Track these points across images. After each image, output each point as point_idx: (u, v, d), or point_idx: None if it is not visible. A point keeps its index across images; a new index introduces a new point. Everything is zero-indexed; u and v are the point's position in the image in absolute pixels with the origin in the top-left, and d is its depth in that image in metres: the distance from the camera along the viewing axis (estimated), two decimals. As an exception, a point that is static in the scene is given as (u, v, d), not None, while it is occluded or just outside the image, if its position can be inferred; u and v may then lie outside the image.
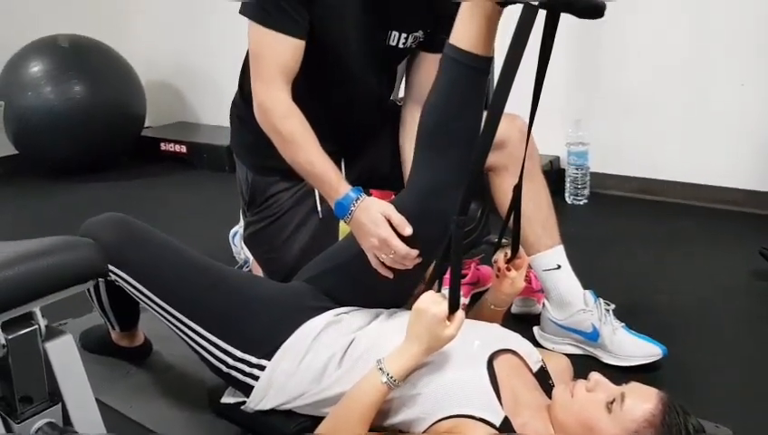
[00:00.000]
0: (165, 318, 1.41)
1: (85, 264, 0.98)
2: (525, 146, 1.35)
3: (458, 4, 1.43)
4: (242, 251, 2.27)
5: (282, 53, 1.44)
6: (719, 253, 2.32)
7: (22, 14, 3.59)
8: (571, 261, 1.69)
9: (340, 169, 1.66)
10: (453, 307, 1.18)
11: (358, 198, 1.36)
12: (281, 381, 1.33)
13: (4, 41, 3.41)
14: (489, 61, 1.28)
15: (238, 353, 1.35)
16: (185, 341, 1.41)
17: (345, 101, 1.62)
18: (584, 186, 2.77)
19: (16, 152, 3.50)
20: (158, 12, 4.03)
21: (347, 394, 1.22)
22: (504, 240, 1.43)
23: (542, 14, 1.15)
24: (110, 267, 1.37)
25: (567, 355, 1.53)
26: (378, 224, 1.31)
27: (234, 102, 1.73)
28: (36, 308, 0.94)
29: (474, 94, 1.30)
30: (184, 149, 3.57)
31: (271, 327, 1.36)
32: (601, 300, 1.68)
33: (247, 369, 1.35)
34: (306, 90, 1.53)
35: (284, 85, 1.45)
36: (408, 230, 1.30)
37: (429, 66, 1.52)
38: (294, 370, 1.32)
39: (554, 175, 2.83)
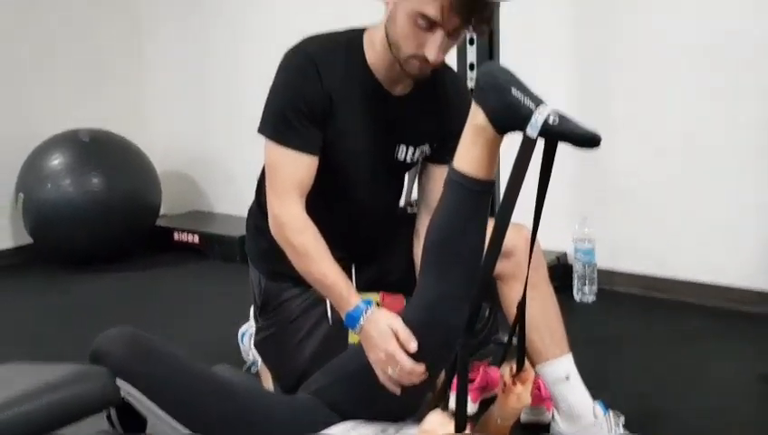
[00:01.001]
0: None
1: (98, 395, 1.02)
2: (529, 259, 1.38)
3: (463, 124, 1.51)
4: (250, 351, 2.28)
5: (296, 169, 1.51)
6: (731, 355, 2.30)
7: (43, 107, 3.72)
8: (580, 363, 1.69)
9: (351, 275, 1.70)
10: (459, 428, 1.20)
11: (367, 310, 1.41)
12: None
13: (27, 134, 3.52)
14: (491, 184, 1.34)
15: None
16: None
17: (354, 212, 1.67)
18: (592, 283, 2.78)
19: (32, 241, 3.56)
20: (174, 104, 4.18)
21: None
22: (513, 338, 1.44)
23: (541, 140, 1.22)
24: (120, 382, 1.39)
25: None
26: (385, 338, 1.35)
27: (250, 212, 1.80)
28: (51, 440, 0.97)
29: (476, 215, 1.35)
30: (196, 239, 3.62)
31: None
32: (611, 413, 1.67)
33: None
34: (316, 201, 1.58)
35: (299, 199, 1.51)
36: (413, 346, 1.33)
37: (439, 177, 1.57)
38: None
39: (561, 271, 2.84)
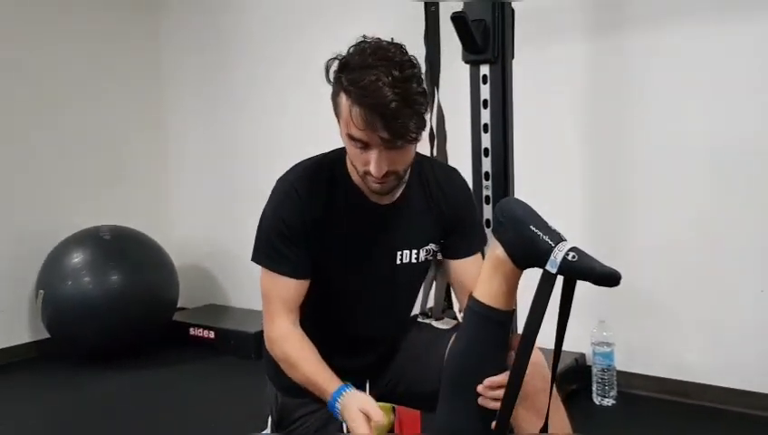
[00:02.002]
0: None
1: None
2: (549, 398, 1.37)
3: (468, 219, 1.53)
4: None
5: (287, 293, 1.54)
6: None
7: (65, 204, 3.83)
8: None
9: (365, 389, 1.71)
10: None
11: (341, 395, 1.43)
12: None
13: (49, 231, 3.62)
14: (510, 314, 1.35)
15: None
16: None
17: (363, 327, 1.67)
18: (611, 386, 2.74)
19: (49, 336, 3.59)
20: (193, 198, 4.27)
21: None
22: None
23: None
24: None
25: None
26: (355, 420, 1.36)
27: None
28: None
29: (495, 344, 1.36)
30: (212, 334, 3.63)
31: None
32: None
33: None
34: (322, 320, 1.62)
35: (286, 314, 1.54)
36: (380, 420, 1.35)
37: (462, 271, 1.60)
38: None
39: (580, 373, 2.82)
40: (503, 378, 1.32)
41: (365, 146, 1.37)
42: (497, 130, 2.24)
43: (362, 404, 1.38)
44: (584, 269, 1.20)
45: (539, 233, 1.24)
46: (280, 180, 1.56)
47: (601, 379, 2.74)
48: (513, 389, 1.23)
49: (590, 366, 2.82)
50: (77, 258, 3.41)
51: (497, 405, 1.32)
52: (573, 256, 1.20)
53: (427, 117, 1.41)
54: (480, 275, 1.36)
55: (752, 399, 2.61)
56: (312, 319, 1.65)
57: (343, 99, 1.35)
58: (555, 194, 2.91)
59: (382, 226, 1.57)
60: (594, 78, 2.88)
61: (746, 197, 2.60)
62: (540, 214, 1.32)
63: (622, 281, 2.92)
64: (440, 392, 1.42)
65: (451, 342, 1.43)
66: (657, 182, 2.77)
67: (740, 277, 2.63)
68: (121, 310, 3.39)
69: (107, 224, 3.63)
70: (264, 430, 2.34)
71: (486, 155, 2.25)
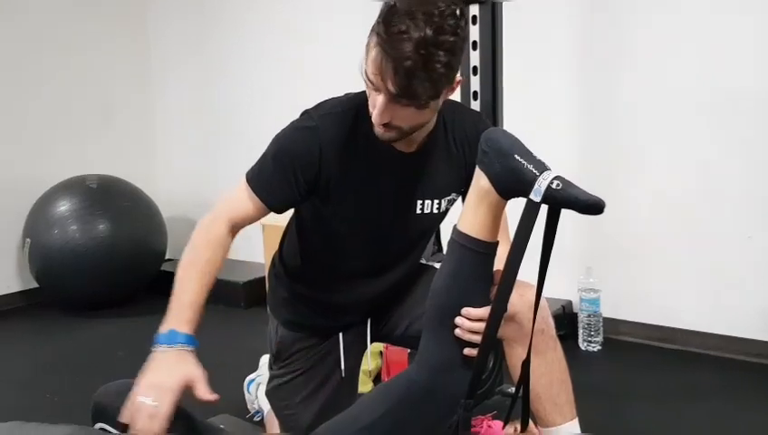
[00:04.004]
0: None
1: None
2: (533, 323, 1.38)
3: None
4: (255, 400, 2.27)
5: (244, 207, 1.48)
6: (743, 409, 2.26)
7: (51, 153, 3.78)
8: (585, 416, 1.65)
9: (366, 328, 1.76)
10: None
11: (182, 343, 1.32)
12: None
13: (35, 180, 3.58)
14: (494, 246, 1.34)
15: None
16: None
17: (371, 268, 1.66)
18: (597, 332, 2.77)
19: (37, 286, 3.59)
20: (181, 150, 4.23)
21: None
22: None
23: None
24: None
25: None
26: (174, 382, 1.25)
27: (273, 261, 1.83)
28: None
29: (479, 276, 1.35)
30: (201, 284, 3.62)
31: None
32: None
33: None
34: (330, 258, 1.63)
35: (228, 225, 1.47)
36: (212, 397, 1.25)
37: None
38: None
39: (566, 320, 2.84)
40: (483, 311, 1.32)
41: (376, 89, 1.34)
42: (486, 73, 2.21)
43: (191, 375, 1.27)
44: (568, 197, 1.19)
45: (523, 162, 1.23)
46: (305, 112, 1.52)
47: (587, 325, 2.77)
48: (495, 320, 1.23)
49: (576, 313, 2.85)
50: (63, 207, 3.37)
51: (474, 338, 1.32)
52: (558, 185, 1.19)
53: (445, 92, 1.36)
54: (464, 206, 1.35)
55: (738, 344, 2.64)
56: (322, 253, 1.65)
57: (373, 37, 1.30)
58: (546, 139, 2.88)
59: (403, 174, 1.54)
60: (589, 21, 2.83)
61: (739, 143, 2.58)
62: (525, 144, 1.30)
63: (610, 227, 2.95)
64: (423, 326, 1.42)
65: (436, 275, 1.42)
66: (649, 126, 2.74)
67: (728, 223, 2.63)
68: (109, 259, 3.37)
69: (93, 173, 3.59)
70: (252, 374, 2.38)
71: (475, 98, 2.22)
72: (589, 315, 2.77)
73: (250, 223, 1.51)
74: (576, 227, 2.81)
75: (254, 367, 2.37)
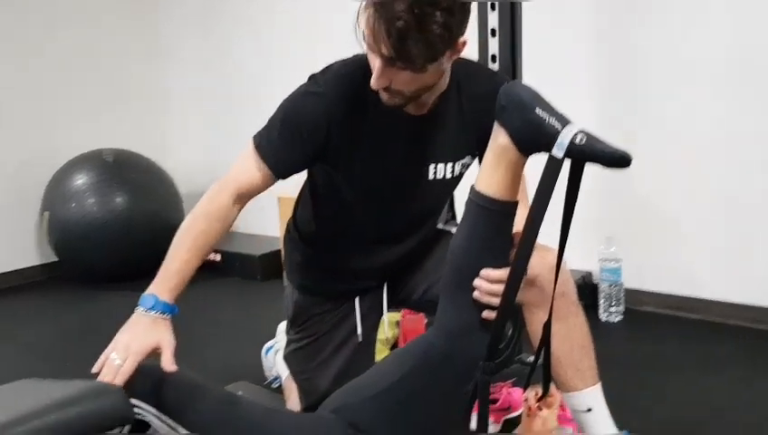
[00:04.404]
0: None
1: (109, 413, 0.99)
2: (554, 286, 1.34)
3: None
4: (274, 367, 2.28)
5: (250, 177, 1.45)
6: (763, 378, 2.22)
7: (68, 127, 3.78)
8: (606, 387, 1.62)
9: (382, 294, 1.74)
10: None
11: (159, 311, 1.34)
12: None
13: (52, 154, 3.58)
14: (514, 205, 1.30)
15: None
16: None
17: (389, 236, 1.64)
18: (618, 303, 2.73)
19: (57, 259, 3.61)
20: (197, 124, 4.21)
21: None
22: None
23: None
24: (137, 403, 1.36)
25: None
26: (141, 345, 1.28)
27: (287, 227, 1.81)
28: (59, 460, 0.95)
29: (498, 237, 1.31)
30: (218, 257, 3.63)
31: None
32: (633, 445, 1.60)
33: None
34: (344, 222, 1.60)
35: (234, 195, 1.44)
36: (173, 368, 1.27)
37: None
38: None
39: (587, 290, 2.79)
40: (502, 273, 1.28)
41: (373, 52, 1.30)
42: (505, 35, 2.15)
43: (162, 339, 1.30)
44: (593, 151, 1.14)
45: (545, 117, 1.18)
46: (312, 76, 1.48)
47: (608, 295, 2.73)
48: (515, 281, 1.19)
49: (596, 284, 2.80)
50: (80, 180, 3.39)
51: (492, 300, 1.28)
52: (581, 139, 1.14)
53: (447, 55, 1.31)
54: (482, 165, 1.31)
55: (761, 314, 2.59)
56: (335, 220, 1.63)
57: None
58: (565, 104, 2.83)
59: (414, 138, 1.49)
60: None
61: (765, 102, 2.50)
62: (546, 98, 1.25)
63: (632, 195, 2.90)
64: (440, 290, 1.39)
65: (453, 237, 1.39)
66: (674, 89, 2.67)
67: (754, 192, 2.57)
68: (126, 232, 3.38)
69: (109, 147, 3.59)
70: (268, 342, 2.37)
71: (494, 61, 2.17)
72: (610, 286, 2.72)
73: (257, 193, 1.48)
74: (596, 194, 2.76)
75: (272, 336, 2.37)
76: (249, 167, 1.45)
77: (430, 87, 1.39)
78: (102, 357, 1.28)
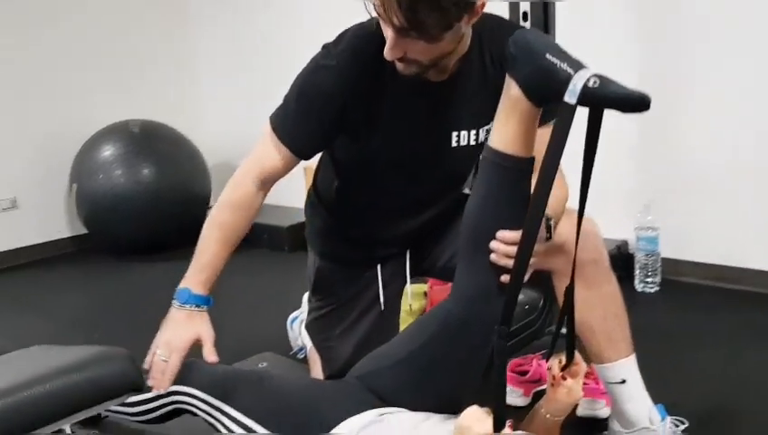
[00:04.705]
0: (208, 413, 1.42)
1: (119, 378, 0.96)
2: (576, 242, 1.26)
3: None
4: (299, 337, 2.25)
5: (271, 159, 1.43)
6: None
7: (95, 99, 3.76)
8: (641, 359, 1.56)
9: (405, 261, 1.70)
10: (498, 426, 1.10)
11: (194, 304, 1.38)
12: None
13: (80, 125, 3.58)
14: (529, 162, 1.23)
15: None
16: (216, 428, 1.40)
17: (412, 205, 1.60)
18: (655, 273, 2.64)
19: (87, 232, 3.63)
20: (224, 95, 4.18)
21: None
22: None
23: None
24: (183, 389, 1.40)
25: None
26: (182, 340, 1.33)
27: (308, 193, 1.78)
28: (66, 425, 0.92)
29: (514, 196, 1.24)
30: (246, 228, 3.61)
31: (310, 424, 1.33)
32: (669, 420, 1.52)
33: None
34: (367, 190, 1.57)
35: (258, 180, 1.44)
36: (214, 359, 1.33)
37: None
38: None
39: (622, 260, 2.71)
40: (519, 234, 1.20)
41: (385, 22, 1.24)
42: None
43: (202, 331, 1.34)
44: (608, 95, 1.05)
45: (556, 62, 1.09)
46: (324, 47, 1.43)
47: (645, 265, 2.65)
48: (529, 240, 1.11)
49: (632, 254, 2.72)
50: (107, 152, 3.38)
51: (510, 263, 1.21)
52: (595, 83, 1.05)
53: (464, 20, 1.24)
54: (494, 120, 1.23)
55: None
56: (355, 190, 1.60)
57: None
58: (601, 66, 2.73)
59: (435, 105, 1.44)
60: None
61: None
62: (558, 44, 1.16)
63: (670, 161, 2.79)
64: (458, 253, 1.33)
65: (469, 198, 1.32)
66: (713, 51, 2.55)
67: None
68: (154, 204, 3.37)
69: (136, 118, 3.57)
70: (293, 313, 2.35)
71: (525, 19, 2.07)
72: (646, 255, 2.65)
73: (280, 176, 1.46)
74: (633, 160, 2.67)
75: (298, 307, 2.35)
76: (269, 150, 1.43)
77: (449, 53, 1.33)
78: (149, 356, 1.34)
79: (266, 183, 1.44)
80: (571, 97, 1.05)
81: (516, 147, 1.20)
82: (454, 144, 1.47)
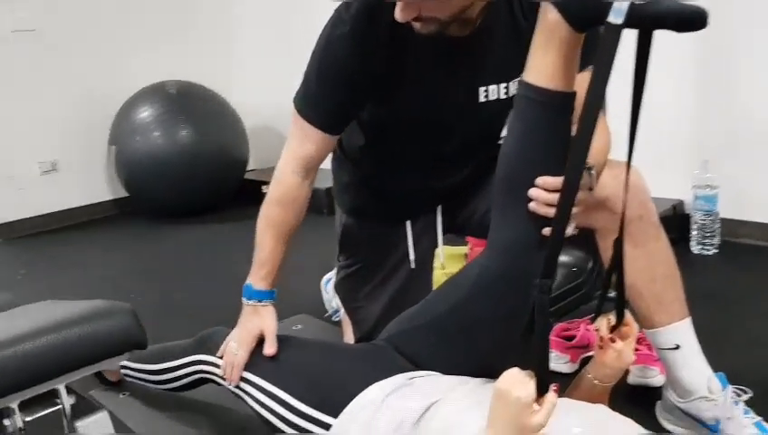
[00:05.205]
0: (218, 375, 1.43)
1: (120, 334, 0.88)
2: (626, 185, 1.13)
3: None
4: (333, 299, 2.21)
5: (303, 143, 1.40)
6: None
7: (134, 61, 3.74)
8: (697, 324, 1.43)
9: (436, 216, 1.62)
10: (542, 388, 1.00)
11: (257, 299, 1.41)
12: None
13: (119, 87, 3.55)
14: (569, 97, 1.09)
15: (301, 407, 1.26)
16: (243, 398, 1.37)
17: (442, 160, 1.51)
18: (713, 234, 2.49)
19: (127, 195, 3.63)
20: (261, 58, 4.11)
21: None
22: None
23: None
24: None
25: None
26: (248, 334, 1.37)
27: (334, 149, 1.69)
28: (61, 385, 0.85)
29: (555, 137, 1.11)
30: (285, 191, 3.55)
31: (337, 387, 1.27)
32: (730, 389, 1.40)
33: (310, 426, 1.25)
34: (395, 150, 1.49)
35: (298, 170, 1.41)
36: (270, 351, 1.34)
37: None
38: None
39: (678, 221, 2.57)
40: (561, 180, 1.08)
41: None
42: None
43: (267, 325, 1.37)
44: (660, 12, 0.91)
45: None
46: (337, 11, 1.34)
47: (702, 226, 2.51)
48: (572, 183, 0.98)
49: (689, 214, 2.58)
50: (145, 113, 3.34)
51: (551, 212, 1.08)
52: None
53: None
54: (530, 52, 1.10)
55: None
56: (382, 150, 1.52)
57: None
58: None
59: (459, 61, 1.34)
60: None
61: None
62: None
63: (731, 115, 2.61)
64: (495, 205, 1.22)
65: (504, 140, 1.20)
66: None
67: None
68: (192, 166, 3.34)
69: (173, 79, 3.53)
70: (327, 274, 2.28)
71: None
72: (704, 215, 2.50)
73: (320, 159, 1.43)
74: (690, 113, 2.49)
75: (331, 268, 2.29)
76: (300, 137, 1.40)
77: (468, 6, 1.22)
78: (223, 347, 1.41)
79: (308, 170, 1.42)
80: (616, 16, 0.91)
81: (555, 80, 1.07)
82: (482, 99, 1.38)
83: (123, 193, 3.65)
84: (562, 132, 1.09)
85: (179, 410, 1.66)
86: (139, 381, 1.68)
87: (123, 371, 1.72)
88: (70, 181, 3.60)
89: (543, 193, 1.10)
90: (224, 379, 1.41)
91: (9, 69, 3.35)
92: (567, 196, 0.98)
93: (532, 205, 1.12)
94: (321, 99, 1.36)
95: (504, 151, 1.16)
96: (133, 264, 2.98)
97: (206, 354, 1.48)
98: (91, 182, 3.69)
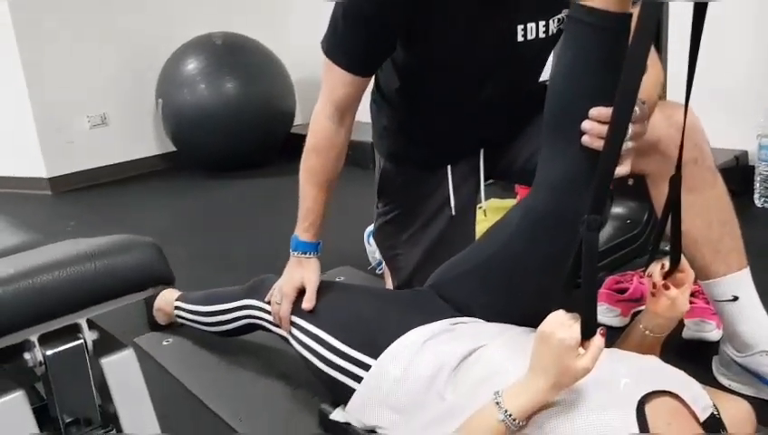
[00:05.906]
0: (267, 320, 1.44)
1: (142, 269, 0.85)
2: (684, 125, 1.07)
3: None
4: (376, 251, 2.17)
5: (334, 87, 1.37)
6: None
7: (180, 13, 3.71)
8: (758, 280, 1.34)
9: (479, 160, 1.56)
10: (587, 332, 0.93)
11: (301, 251, 1.41)
12: (385, 388, 1.17)
13: (165, 40, 3.54)
14: (625, 18, 1.00)
15: (343, 348, 1.25)
16: (289, 341, 1.38)
17: (481, 104, 1.44)
18: (778, 186, 2.36)
19: (174, 150, 3.64)
20: (308, 11, 4.03)
21: (459, 428, 1.02)
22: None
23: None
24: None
25: (749, 398, 1.20)
26: (292, 282, 1.38)
27: (372, 91, 1.65)
28: (82, 320, 0.82)
29: (609, 63, 1.01)
30: (330, 145, 3.51)
31: (379, 329, 1.25)
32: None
33: (350, 367, 1.24)
34: (436, 95, 1.44)
35: (334, 113, 1.38)
36: (307, 306, 1.35)
37: None
38: (401, 376, 1.16)
39: (741, 173, 2.44)
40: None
41: None
42: None
43: (309, 276, 1.37)
44: None
45: None
46: None
47: (766, 177, 2.38)
48: (624, 109, 0.90)
49: (752, 166, 2.45)
50: (191, 65, 3.32)
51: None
52: None
53: None
54: None
55: None
56: (420, 96, 1.46)
57: None
58: None
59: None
60: None
61: None
62: None
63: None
64: (544, 139, 1.14)
65: (552, 68, 1.12)
66: None
67: None
68: (238, 119, 3.32)
69: (219, 31, 3.49)
70: (370, 226, 2.24)
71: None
72: (769, 165, 2.36)
73: (354, 102, 1.39)
74: (753, 56, 2.33)
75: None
76: (331, 81, 1.37)
77: None
78: (270, 292, 1.43)
79: (344, 115, 1.38)
80: None
81: (612, 1, 0.98)
82: (520, 39, 1.31)
83: (170, 147, 3.66)
84: (618, 57, 1.00)
85: (222, 360, 1.66)
86: (190, 323, 1.69)
87: (176, 311, 1.73)
88: (119, 135, 3.63)
89: (598, 125, 1.02)
90: (272, 324, 1.42)
91: (57, 23, 3.36)
92: (618, 123, 0.89)
93: (585, 138, 1.04)
94: (349, 43, 1.32)
95: (554, 81, 1.09)
96: (180, 217, 3.00)
97: (257, 299, 1.49)
98: (139, 136, 3.71)
